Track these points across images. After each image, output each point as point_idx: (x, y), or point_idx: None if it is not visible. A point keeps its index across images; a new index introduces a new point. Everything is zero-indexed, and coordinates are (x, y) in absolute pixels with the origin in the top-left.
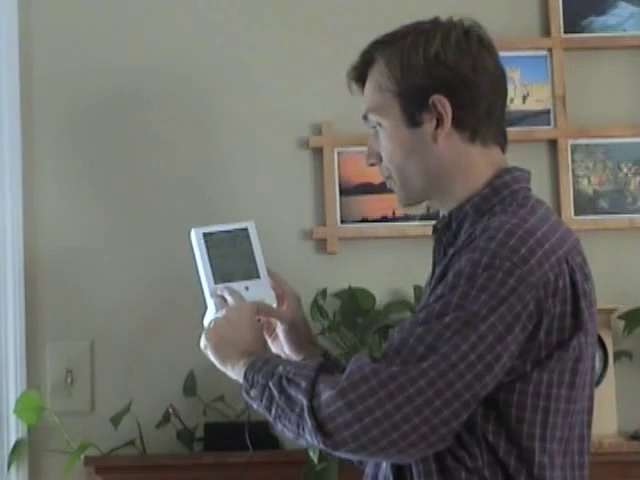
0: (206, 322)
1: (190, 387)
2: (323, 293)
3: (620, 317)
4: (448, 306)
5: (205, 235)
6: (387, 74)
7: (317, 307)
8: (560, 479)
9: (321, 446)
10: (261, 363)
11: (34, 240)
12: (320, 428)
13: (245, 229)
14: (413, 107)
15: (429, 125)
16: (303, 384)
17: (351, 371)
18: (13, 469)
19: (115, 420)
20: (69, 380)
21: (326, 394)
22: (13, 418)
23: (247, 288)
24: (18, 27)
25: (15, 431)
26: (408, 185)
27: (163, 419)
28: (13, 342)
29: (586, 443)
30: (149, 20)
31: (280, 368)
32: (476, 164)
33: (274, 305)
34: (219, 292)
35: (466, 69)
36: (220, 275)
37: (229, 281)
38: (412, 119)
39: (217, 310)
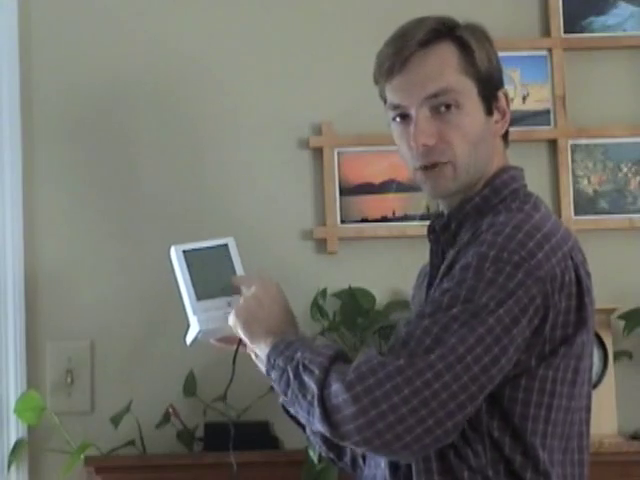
0: (189, 340)
1: (190, 387)
2: (323, 293)
3: (620, 317)
4: (456, 299)
5: (185, 252)
6: (479, 57)
7: (317, 307)
8: (560, 476)
9: (328, 435)
10: (283, 346)
11: (34, 240)
12: (327, 418)
13: (225, 245)
14: (489, 96)
15: (496, 117)
16: (316, 372)
17: (359, 364)
18: (13, 469)
19: (115, 420)
20: (69, 380)
21: (335, 385)
22: (13, 418)
23: (229, 304)
24: (18, 27)
25: (15, 431)
26: (467, 172)
27: (163, 419)
28: (13, 342)
29: (585, 440)
30: (149, 20)
31: (299, 354)
32: (494, 164)
33: None
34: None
35: (501, 73)
36: (202, 292)
37: (211, 297)
38: (488, 107)
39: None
